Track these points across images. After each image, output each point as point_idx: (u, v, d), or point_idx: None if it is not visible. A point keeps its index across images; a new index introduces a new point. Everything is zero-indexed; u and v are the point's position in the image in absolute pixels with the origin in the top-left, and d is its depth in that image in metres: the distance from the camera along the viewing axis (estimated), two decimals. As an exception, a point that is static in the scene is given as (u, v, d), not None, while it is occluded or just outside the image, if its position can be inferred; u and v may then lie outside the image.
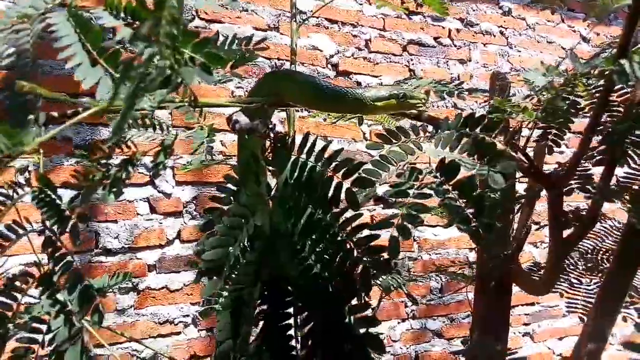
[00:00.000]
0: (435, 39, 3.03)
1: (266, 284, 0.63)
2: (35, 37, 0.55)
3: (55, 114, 0.57)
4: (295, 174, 0.66)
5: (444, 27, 3.06)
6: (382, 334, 2.45)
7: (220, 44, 0.92)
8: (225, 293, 0.63)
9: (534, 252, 3.17)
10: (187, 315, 2.29)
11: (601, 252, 1.03)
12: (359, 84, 2.74)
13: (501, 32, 3.25)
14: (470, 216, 0.55)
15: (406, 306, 2.87)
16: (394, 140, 0.70)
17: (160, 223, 2.23)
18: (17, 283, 0.76)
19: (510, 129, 0.98)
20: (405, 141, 0.68)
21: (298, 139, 0.72)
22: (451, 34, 3.08)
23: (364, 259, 0.57)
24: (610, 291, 0.74)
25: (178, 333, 2.25)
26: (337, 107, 0.79)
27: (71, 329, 0.66)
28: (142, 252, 2.19)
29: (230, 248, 0.65)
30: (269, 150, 0.70)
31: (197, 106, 0.64)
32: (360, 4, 2.80)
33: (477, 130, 0.63)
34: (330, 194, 0.62)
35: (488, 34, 3.22)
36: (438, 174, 0.60)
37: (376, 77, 2.79)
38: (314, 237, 0.60)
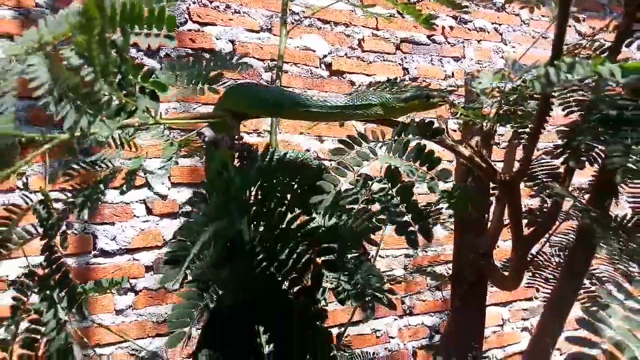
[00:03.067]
0: (428, 37, 3.04)
1: (225, 285, 0.67)
2: (17, 76, 0.60)
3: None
4: (258, 181, 0.70)
5: (437, 25, 3.07)
6: (379, 330, 2.46)
7: (209, 59, 0.96)
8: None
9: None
10: (185, 315, 2.33)
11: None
12: (352, 83, 2.77)
13: (495, 29, 3.26)
14: (410, 221, 0.58)
15: (403, 303, 2.90)
16: (355, 147, 0.73)
17: (157, 224, 2.28)
18: (26, 281, 0.83)
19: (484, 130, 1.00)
20: (363, 148, 0.71)
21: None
22: (445, 32, 3.10)
23: (316, 259, 0.61)
24: (561, 292, 0.76)
25: (176, 332, 2.29)
26: (364, 114, 0.82)
27: (58, 322, 0.72)
28: (139, 253, 2.24)
29: (190, 248, 0.69)
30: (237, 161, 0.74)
31: (160, 123, 0.68)
32: (353, 4, 2.83)
33: (426, 135, 0.66)
34: (286, 201, 0.66)
35: (482, 30, 3.23)
36: (385, 180, 0.63)
37: (369, 75, 2.81)
38: (271, 240, 0.64)
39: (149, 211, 2.27)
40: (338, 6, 2.73)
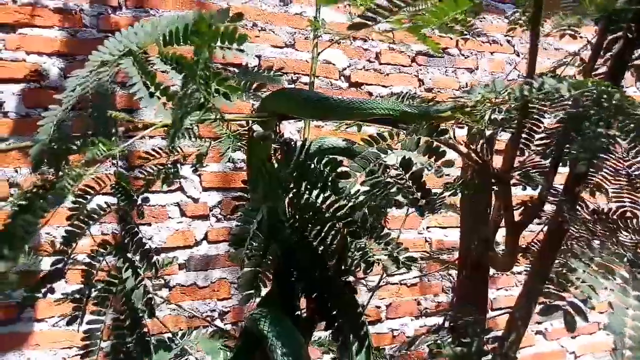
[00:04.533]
0: (443, 49, 3.20)
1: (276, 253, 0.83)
2: (112, 77, 0.78)
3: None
4: (297, 169, 0.86)
5: (451, 38, 3.23)
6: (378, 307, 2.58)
7: (249, 71, 1.14)
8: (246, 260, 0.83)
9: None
10: (214, 310, 2.49)
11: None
12: (370, 94, 2.93)
13: (508, 41, 3.40)
14: (419, 197, 0.74)
15: (419, 304, 3.03)
16: (374, 144, 0.89)
17: (189, 225, 2.46)
18: (100, 249, 1.00)
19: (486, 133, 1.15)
20: (382, 144, 0.87)
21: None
22: (458, 44, 3.25)
23: (343, 230, 0.77)
24: (535, 275, 0.89)
25: (206, 326, 2.46)
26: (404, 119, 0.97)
27: (137, 277, 0.89)
28: (173, 252, 2.41)
29: (250, 225, 0.85)
30: (278, 153, 0.91)
31: (224, 120, 0.85)
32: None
33: (433, 135, 0.82)
34: (320, 184, 0.82)
35: (495, 43, 3.37)
36: (400, 169, 0.79)
37: (386, 87, 2.97)
38: (307, 215, 0.80)
39: (183, 213, 2.45)
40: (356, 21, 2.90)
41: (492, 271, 3.26)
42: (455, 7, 0.83)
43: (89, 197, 0.97)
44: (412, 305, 2.98)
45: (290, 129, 2.61)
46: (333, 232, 0.80)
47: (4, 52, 2.15)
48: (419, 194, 0.76)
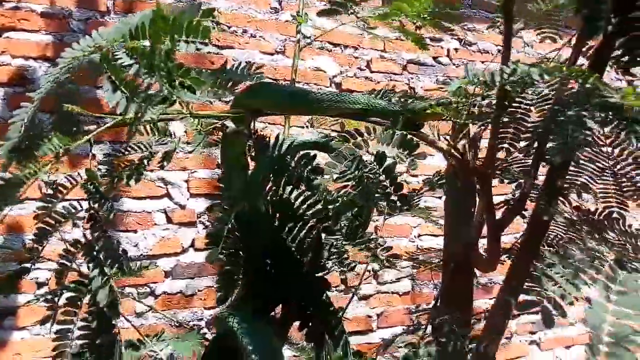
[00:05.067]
0: (434, 58, 3.20)
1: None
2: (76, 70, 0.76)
3: (91, 127, 0.78)
4: (271, 165, 0.84)
5: (442, 47, 3.23)
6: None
7: (229, 70, 1.13)
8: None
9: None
10: (201, 319, 2.45)
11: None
12: (361, 101, 2.93)
13: (499, 51, 3.40)
14: (391, 191, 0.72)
15: (411, 313, 2.99)
16: (350, 139, 0.87)
17: (175, 232, 2.42)
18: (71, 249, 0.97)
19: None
20: (358, 140, 0.85)
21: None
22: (450, 53, 3.25)
23: (317, 225, 0.75)
24: (514, 271, 0.87)
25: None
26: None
27: (104, 276, 0.87)
28: (159, 259, 2.38)
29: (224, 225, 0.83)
30: (252, 150, 0.89)
31: (195, 116, 0.83)
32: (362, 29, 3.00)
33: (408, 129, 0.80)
34: (294, 180, 0.80)
35: (486, 52, 3.38)
36: (374, 162, 0.77)
37: (377, 95, 2.96)
38: (281, 213, 0.78)
39: (169, 220, 2.41)
40: (347, 29, 2.90)
41: (486, 279, 3.22)
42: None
43: (60, 195, 0.95)
44: (404, 315, 2.94)
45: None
46: (306, 230, 0.77)
47: (-11, 56, 2.13)
48: (391, 187, 0.74)
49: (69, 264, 0.94)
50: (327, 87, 2.85)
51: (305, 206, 0.79)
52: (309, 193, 0.79)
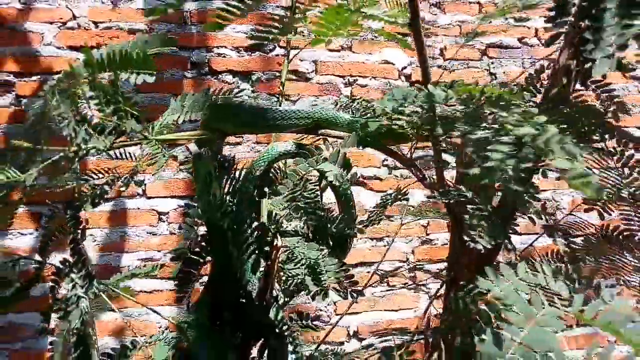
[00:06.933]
0: (519, 39, 2.94)
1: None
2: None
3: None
4: (229, 187, 0.86)
5: (529, 28, 2.96)
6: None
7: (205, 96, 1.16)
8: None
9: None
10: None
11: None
12: (433, 92, 2.79)
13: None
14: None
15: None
16: (315, 154, 0.85)
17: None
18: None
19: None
20: (314, 157, 0.83)
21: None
22: (537, 33, 2.97)
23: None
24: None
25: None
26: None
27: (76, 297, 0.96)
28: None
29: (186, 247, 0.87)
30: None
31: (158, 140, 0.87)
32: (435, 14, 2.85)
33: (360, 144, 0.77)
34: (249, 200, 0.82)
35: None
36: (316, 183, 0.77)
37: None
38: (238, 230, 0.80)
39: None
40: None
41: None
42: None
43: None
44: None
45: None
46: (249, 251, 0.78)
47: None
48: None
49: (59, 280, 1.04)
50: (396, 80, 2.76)
51: (249, 230, 0.80)
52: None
